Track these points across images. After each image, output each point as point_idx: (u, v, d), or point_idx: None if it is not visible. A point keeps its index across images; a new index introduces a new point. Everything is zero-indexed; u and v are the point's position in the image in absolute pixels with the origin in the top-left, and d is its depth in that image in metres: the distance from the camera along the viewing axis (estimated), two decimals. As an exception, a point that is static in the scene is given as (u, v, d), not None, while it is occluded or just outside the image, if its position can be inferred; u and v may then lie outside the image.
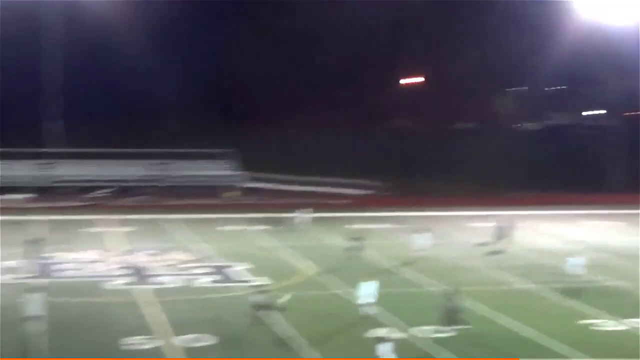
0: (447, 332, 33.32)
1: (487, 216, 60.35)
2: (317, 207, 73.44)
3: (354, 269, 45.44)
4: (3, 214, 65.01)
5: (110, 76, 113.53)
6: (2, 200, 75.62)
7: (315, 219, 65.18)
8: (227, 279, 44.23)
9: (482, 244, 55.56)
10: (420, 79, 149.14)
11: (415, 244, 50.51)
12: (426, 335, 33.15)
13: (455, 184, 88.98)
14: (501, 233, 54.89)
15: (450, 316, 33.56)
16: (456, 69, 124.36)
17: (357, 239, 49.33)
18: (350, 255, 48.64)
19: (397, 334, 32.97)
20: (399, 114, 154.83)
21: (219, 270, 46.42)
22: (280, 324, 34.18)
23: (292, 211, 64.20)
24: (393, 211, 72.12)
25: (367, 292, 36.05)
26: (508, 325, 35.32)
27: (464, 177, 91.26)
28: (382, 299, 37.03)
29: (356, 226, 63.17)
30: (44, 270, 45.72)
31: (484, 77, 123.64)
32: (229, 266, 47.37)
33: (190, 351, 30.94)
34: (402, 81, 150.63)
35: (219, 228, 61.64)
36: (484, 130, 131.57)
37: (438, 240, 54.52)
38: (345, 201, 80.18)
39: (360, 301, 36.28)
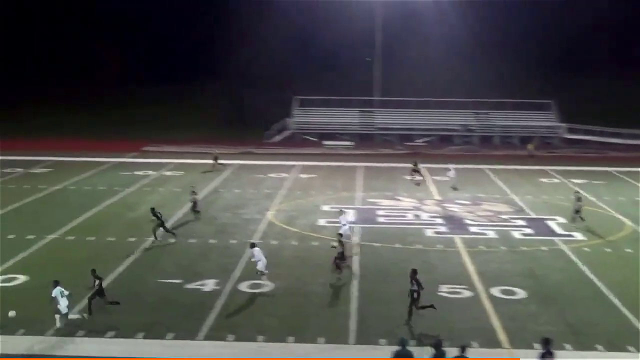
0: None
1: None
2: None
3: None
4: (326, 160, 68.51)
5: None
6: (325, 146, 79.84)
7: (633, 173, 63.55)
8: (541, 233, 44.12)
9: None
10: None
11: None
12: None
13: None
14: None
15: None
16: None
17: None
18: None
19: None
20: None
21: (533, 223, 46.43)
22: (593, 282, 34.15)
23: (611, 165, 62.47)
24: None
25: None
26: None
27: None
28: None
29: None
30: (366, 217, 48.03)
31: None
32: (543, 219, 47.27)
33: (503, 302, 31.66)
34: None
35: (534, 180, 61.24)
36: None
37: None
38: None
39: None
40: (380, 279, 34.82)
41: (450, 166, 59.07)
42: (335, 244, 35.20)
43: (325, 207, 50.11)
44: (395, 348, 23.55)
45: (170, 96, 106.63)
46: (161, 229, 41.02)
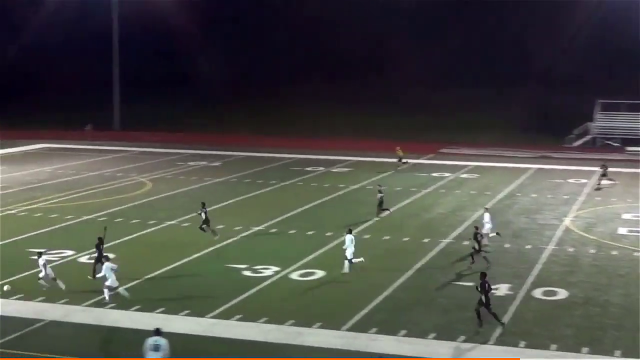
0: None
1: None
2: None
3: None
4: (628, 166, 66.06)
5: None
6: (628, 152, 76.59)
7: None
8: None
9: None
10: None
11: None
12: None
13: None
14: None
15: None
16: None
17: None
18: None
19: None
20: None
21: None
22: None
23: None
24: None
25: None
26: None
27: None
28: None
29: None
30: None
31: None
32: None
33: None
34: None
35: None
36: None
37: None
38: None
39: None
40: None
41: None
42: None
43: (627, 215, 48.08)
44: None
45: (469, 100, 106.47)
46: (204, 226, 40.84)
